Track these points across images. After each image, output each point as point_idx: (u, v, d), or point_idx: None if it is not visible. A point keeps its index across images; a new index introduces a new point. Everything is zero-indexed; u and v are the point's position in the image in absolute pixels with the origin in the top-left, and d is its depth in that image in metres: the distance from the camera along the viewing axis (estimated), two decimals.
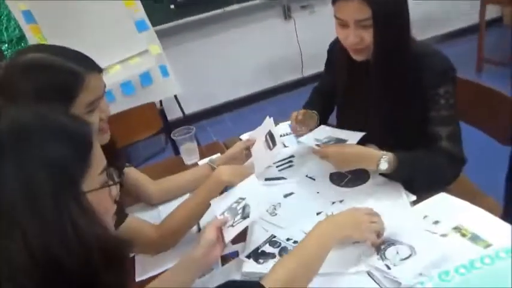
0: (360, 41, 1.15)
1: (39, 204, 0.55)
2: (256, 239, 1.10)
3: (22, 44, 2.66)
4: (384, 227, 0.97)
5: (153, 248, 1.15)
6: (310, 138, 1.34)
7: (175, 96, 2.93)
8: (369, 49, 1.17)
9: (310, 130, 1.40)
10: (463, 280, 0.81)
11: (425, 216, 1.03)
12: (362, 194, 1.19)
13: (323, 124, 1.43)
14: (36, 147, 0.57)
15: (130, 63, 2.60)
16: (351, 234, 0.94)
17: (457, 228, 0.97)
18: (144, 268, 1.13)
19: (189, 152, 1.57)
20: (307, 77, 3.85)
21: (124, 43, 2.56)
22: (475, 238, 0.93)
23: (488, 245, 0.90)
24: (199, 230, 1.22)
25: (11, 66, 0.94)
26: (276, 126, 1.35)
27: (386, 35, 1.12)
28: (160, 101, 2.86)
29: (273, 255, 1.03)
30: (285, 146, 1.50)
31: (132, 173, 1.35)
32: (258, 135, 1.39)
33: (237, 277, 1.02)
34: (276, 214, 1.19)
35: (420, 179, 1.14)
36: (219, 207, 1.08)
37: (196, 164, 1.55)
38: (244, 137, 1.61)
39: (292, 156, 1.44)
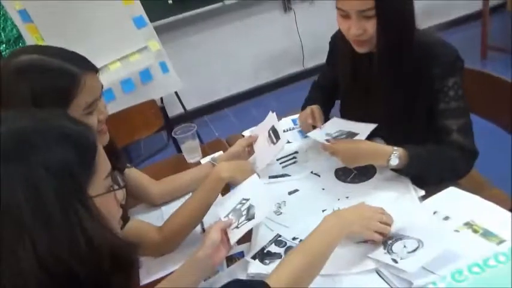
0: (362, 32, 1.11)
1: (46, 211, 0.54)
2: (262, 238, 1.07)
3: (20, 43, 2.64)
4: (391, 225, 0.95)
5: (157, 250, 1.13)
6: (321, 133, 1.31)
7: (176, 93, 2.90)
8: (372, 41, 1.13)
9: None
10: (477, 279, 0.78)
11: (435, 212, 1.00)
12: (369, 189, 1.16)
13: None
14: (39, 152, 0.56)
15: (130, 59, 2.58)
16: (358, 230, 0.92)
17: (468, 224, 0.94)
18: (149, 271, 1.11)
19: (190, 150, 1.55)
20: (308, 70, 3.80)
21: (123, 40, 2.53)
22: (487, 234, 0.90)
23: (501, 241, 0.87)
24: (203, 230, 1.20)
25: (5, 68, 0.91)
26: (278, 121, 1.33)
27: (390, 26, 1.09)
28: (161, 98, 2.83)
29: (279, 255, 1.01)
30: (288, 142, 1.46)
31: (134, 173, 1.33)
32: (260, 131, 1.37)
33: (243, 278, 1.00)
34: (280, 213, 1.17)
35: (432, 174, 1.11)
36: (223, 209, 1.06)
37: (198, 162, 1.52)
38: (247, 133, 1.58)
39: (296, 152, 1.41)
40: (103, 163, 0.64)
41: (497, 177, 1.45)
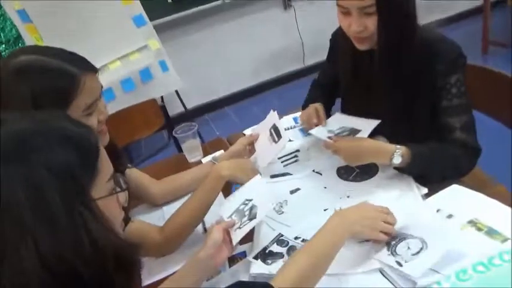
0: (363, 29, 1.10)
1: (49, 212, 0.54)
2: (264, 238, 1.06)
3: (19, 44, 2.63)
4: (395, 225, 0.94)
5: (158, 250, 1.13)
6: (322, 130, 1.30)
7: (177, 91, 2.90)
8: (373, 38, 1.12)
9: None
10: (481, 279, 0.77)
11: (438, 210, 0.99)
12: (371, 188, 1.15)
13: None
14: (40, 153, 0.56)
15: (130, 59, 2.57)
16: (363, 230, 0.91)
17: (472, 222, 0.93)
18: (150, 272, 1.11)
19: (191, 150, 1.54)
20: (309, 67, 3.79)
21: (122, 39, 2.52)
22: (491, 232, 0.89)
23: (505, 239, 0.86)
24: (204, 230, 1.20)
25: (4, 69, 0.91)
26: (279, 119, 1.32)
27: (391, 22, 1.08)
28: (162, 97, 2.82)
29: (281, 255, 1.00)
30: (289, 140, 1.45)
31: (134, 174, 1.32)
32: (261, 129, 1.36)
33: (245, 279, 0.99)
34: (282, 212, 1.16)
35: (435, 173, 1.10)
36: (226, 210, 1.06)
37: (199, 162, 1.52)
38: (248, 132, 1.58)
39: (298, 150, 1.40)
40: (105, 165, 0.64)
41: (498, 174, 1.44)
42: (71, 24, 2.34)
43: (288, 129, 1.54)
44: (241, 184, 1.23)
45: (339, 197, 1.16)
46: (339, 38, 1.31)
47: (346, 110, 1.39)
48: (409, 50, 1.11)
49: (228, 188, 1.27)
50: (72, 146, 0.59)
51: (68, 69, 0.92)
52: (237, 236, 0.96)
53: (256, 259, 1.00)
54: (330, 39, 1.44)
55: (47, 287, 0.53)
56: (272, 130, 1.31)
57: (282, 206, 1.18)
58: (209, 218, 1.18)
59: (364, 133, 1.20)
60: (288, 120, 1.60)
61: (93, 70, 0.98)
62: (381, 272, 0.90)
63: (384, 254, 0.91)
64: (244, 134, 1.54)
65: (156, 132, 2.29)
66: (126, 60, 2.55)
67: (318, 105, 1.39)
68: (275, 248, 1.03)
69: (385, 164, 1.11)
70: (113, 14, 2.46)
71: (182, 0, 3.21)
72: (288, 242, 1.04)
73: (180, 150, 1.68)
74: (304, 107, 1.49)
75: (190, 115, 3.16)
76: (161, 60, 2.62)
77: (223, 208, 1.07)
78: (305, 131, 1.43)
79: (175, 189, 1.35)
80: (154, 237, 1.10)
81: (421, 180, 1.12)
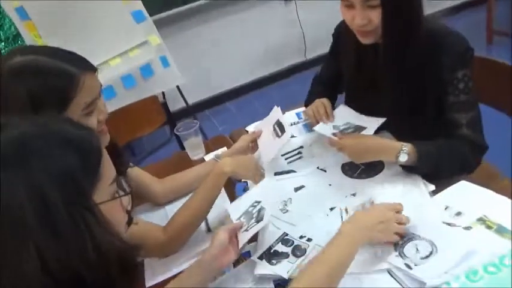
0: (367, 22, 1.07)
1: (51, 217, 0.53)
2: (268, 237, 1.05)
3: (19, 41, 2.61)
4: (407, 223, 0.92)
5: (162, 250, 1.12)
6: (327, 127, 1.28)
7: (178, 87, 2.87)
8: (377, 31, 1.10)
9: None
10: (493, 279, 0.76)
11: (446, 207, 0.97)
12: (377, 185, 1.13)
13: None
14: (40, 157, 0.55)
15: (130, 55, 2.54)
16: (378, 236, 0.89)
17: (481, 220, 0.91)
18: (154, 272, 1.10)
19: (193, 147, 1.52)
20: (310, 60, 3.75)
21: (122, 35, 2.49)
22: (501, 230, 0.87)
23: None
24: (208, 229, 1.18)
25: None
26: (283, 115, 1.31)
27: (396, 15, 1.05)
28: (163, 94, 2.80)
29: (286, 255, 0.99)
30: (293, 136, 1.43)
31: (136, 173, 1.31)
32: (265, 125, 1.35)
33: (250, 279, 0.98)
34: (287, 211, 1.14)
35: (442, 171, 1.08)
36: (236, 211, 1.05)
37: (202, 159, 1.50)
38: (250, 128, 1.56)
39: (301, 147, 1.38)
40: (108, 169, 0.63)
41: (503, 166, 1.43)
42: (70, 21, 2.31)
43: (292, 124, 1.51)
44: (242, 181, 1.22)
45: (344, 196, 1.14)
46: (342, 32, 1.29)
47: (349, 105, 1.36)
48: (415, 43, 1.08)
49: (231, 186, 1.25)
50: (73, 149, 0.58)
51: (66, 69, 0.91)
52: (243, 238, 0.95)
53: (261, 259, 0.99)
54: (333, 33, 1.41)
55: None
56: (276, 126, 1.30)
57: (286, 204, 1.16)
58: (212, 216, 1.17)
59: (370, 131, 1.18)
60: (291, 116, 1.57)
61: (92, 69, 0.97)
62: (389, 272, 0.89)
63: (391, 255, 0.89)
64: (247, 131, 1.53)
65: (157, 128, 2.28)
66: (126, 57, 2.52)
67: (325, 100, 1.36)
68: (280, 247, 1.01)
69: (391, 161, 1.09)
70: (112, 10, 2.43)
71: None
72: (293, 242, 1.02)
73: (182, 146, 1.67)
74: (306, 103, 1.47)
75: (192, 110, 3.13)
76: (162, 56, 2.59)
77: (233, 209, 1.07)
78: (310, 127, 1.41)
79: (178, 188, 1.33)
80: (157, 237, 1.09)
81: (427, 176, 1.10)
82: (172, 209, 1.27)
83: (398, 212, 0.93)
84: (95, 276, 0.55)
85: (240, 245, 0.95)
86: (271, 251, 1.01)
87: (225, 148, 1.49)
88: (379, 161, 1.19)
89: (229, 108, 3.65)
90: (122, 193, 0.67)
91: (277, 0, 3.58)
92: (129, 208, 0.70)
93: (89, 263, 0.55)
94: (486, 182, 1.05)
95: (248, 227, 0.97)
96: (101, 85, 1.00)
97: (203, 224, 1.17)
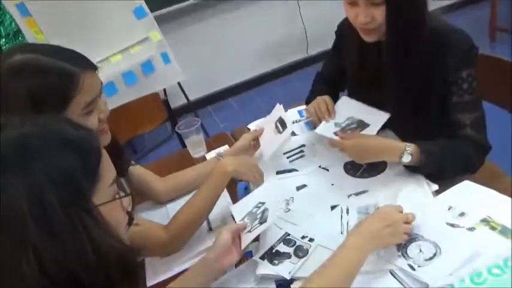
0: (370, 20, 1.06)
1: (50, 219, 0.53)
2: (270, 237, 1.04)
3: (19, 37, 2.60)
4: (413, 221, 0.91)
5: (164, 249, 1.11)
6: (329, 127, 1.27)
7: (179, 83, 2.86)
8: (381, 29, 1.08)
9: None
10: (497, 281, 0.75)
11: (450, 208, 0.96)
12: (379, 185, 1.13)
13: None
14: (40, 158, 0.55)
15: (131, 51, 2.53)
16: (389, 241, 0.87)
17: (485, 221, 0.90)
18: (155, 272, 1.09)
19: (195, 145, 1.51)
20: (312, 56, 3.74)
21: (123, 31, 2.48)
22: (505, 231, 0.87)
23: None
24: (209, 228, 1.18)
25: None
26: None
27: (400, 13, 1.04)
28: (164, 91, 2.79)
29: (288, 255, 0.98)
30: (295, 134, 1.43)
31: (138, 171, 1.30)
32: (267, 123, 1.34)
33: (252, 279, 0.98)
34: (289, 210, 1.13)
35: (445, 171, 1.07)
36: (239, 212, 1.04)
37: (203, 157, 1.49)
38: (252, 126, 1.55)
39: (303, 145, 1.37)
40: (108, 169, 0.63)
41: (505, 164, 1.43)
42: (71, 17, 2.30)
43: (294, 122, 1.51)
44: (245, 181, 1.22)
45: (347, 195, 1.13)
46: (344, 29, 1.28)
47: None
48: (419, 41, 1.07)
49: (232, 185, 1.25)
50: (73, 150, 0.58)
51: (66, 68, 0.90)
52: (246, 239, 0.95)
53: (263, 259, 0.98)
54: (336, 31, 1.40)
55: None
56: (278, 123, 1.30)
57: (288, 204, 1.15)
58: (214, 215, 1.17)
59: (373, 128, 1.17)
60: (293, 113, 1.56)
61: (93, 67, 0.96)
62: (391, 272, 0.88)
63: (394, 255, 0.88)
64: (249, 129, 1.52)
65: (158, 125, 2.28)
66: (127, 53, 2.51)
67: (327, 97, 1.35)
68: (282, 247, 1.01)
69: (394, 161, 1.08)
70: (113, 6, 2.42)
71: None
72: (295, 242, 1.02)
73: (183, 144, 1.66)
74: (308, 101, 1.46)
75: (193, 107, 3.13)
76: (163, 52, 2.58)
77: (236, 210, 1.06)
78: (312, 125, 1.40)
79: (180, 186, 1.33)
80: (159, 235, 1.09)
81: (430, 176, 1.09)
82: (173, 207, 1.26)
83: (401, 211, 0.92)
84: (94, 279, 0.54)
85: (243, 246, 0.94)
86: (273, 251, 1.00)
87: (226, 146, 1.48)
88: (382, 161, 1.18)
89: (231, 105, 3.64)
90: (122, 194, 0.67)
91: None
92: (129, 209, 0.69)
93: (88, 265, 0.54)
94: (489, 182, 1.04)
95: (251, 228, 0.96)
96: (102, 83, 0.99)
97: (205, 223, 1.17)
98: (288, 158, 1.34)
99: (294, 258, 0.97)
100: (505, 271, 0.76)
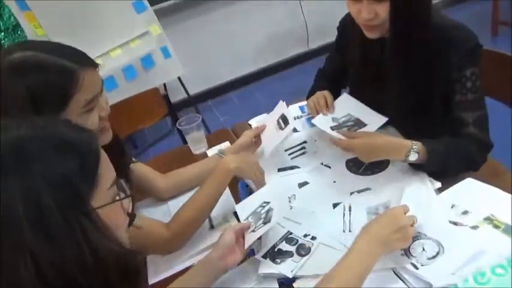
0: (373, 16, 1.05)
1: (47, 223, 0.52)
2: (273, 236, 1.04)
3: (18, 31, 2.59)
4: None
5: (166, 247, 1.11)
6: (326, 120, 1.26)
7: (179, 78, 2.85)
8: (384, 25, 1.07)
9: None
10: (500, 281, 0.75)
11: (453, 206, 0.96)
12: (382, 182, 1.12)
13: None
14: (37, 161, 0.54)
15: (131, 46, 2.52)
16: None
17: (488, 219, 0.90)
18: (156, 270, 1.09)
19: (196, 141, 1.50)
20: (313, 50, 3.71)
21: (123, 26, 2.47)
22: (508, 229, 0.86)
23: None
24: (211, 226, 1.17)
25: None
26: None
27: (404, 9, 1.02)
28: (165, 86, 2.78)
29: (290, 254, 0.98)
30: (296, 131, 1.42)
31: (139, 168, 1.29)
32: (269, 120, 1.34)
33: (254, 277, 0.98)
34: (291, 207, 1.12)
35: (449, 169, 1.06)
36: (244, 211, 1.04)
37: (204, 153, 1.49)
38: (253, 122, 1.54)
39: (305, 142, 1.37)
40: (107, 171, 0.61)
41: (506, 160, 1.42)
42: (71, 12, 2.28)
43: (295, 119, 1.50)
44: (246, 179, 1.21)
45: (349, 193, 1.12)
46: (347, 25, 1.27)
47: None
48: (423, 38, 1.06)
49: (234, 183, 1.24)
50: (71, 152, 0.57)
51: (66, 65, 0.89)
52: (250, 238, 0.95)
53: (265, 258, 0.98)
54: (338, 27, 1.38)
55: None
56: (280, 119, 1.29)
57: (290, 201, 1.15)
58: (215, 213, 1.16)
59: (370, 129, 1.17)
60: (294, 109, 1.55)
61: (93, 65, 0.95)
62: (394, 271, 0.88)
63: (397, 254, 0.88)
64: (250, 125, 1.51)
65: (159, 120, 2.27)
66: (127, 47, 2.50)
67: (326, 92, 1.35)
68: (284, 246, 1.01)
69: (400, 160, 1.07)
70: (113, 0, 2.40)
71: None
72: (297, 240, 1.01)
73: (184, 140, 1.65)
74: (309, 97, 1.45)
75: (193, 101, 3.11)
76: (163, 47, 2.57)
77: (241, 208, 1.06)
78: (311, 119, 1.40)
79: (181, 184, 1.32)
80: (161, 233, 1.08)
81: (434, 174, 1.09)
82: (175, 204, 1.26)
83: (406, 212, 0.91)
84: (92, 283, 0.54)
85: (246, 246, 0.94)
86: (276, 249, 1.00)
87: (227, 143, 1.48)
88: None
89: (231, 99, 3.62)
90: (122, 195, 0.66)
91: None
92: (129, 210, 0.68)
93: (86, 269, 0.53)
94: (491, 179, 1.04)
95: (255, 227, 0.96)
96: (103, 81, 0.98)
97: (206, 221, 1.17)
98: (289, 155, 1.33)
99: (296, 257, 0.97)
100: (508, 271, 0.76)
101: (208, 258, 0.93)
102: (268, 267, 0.96)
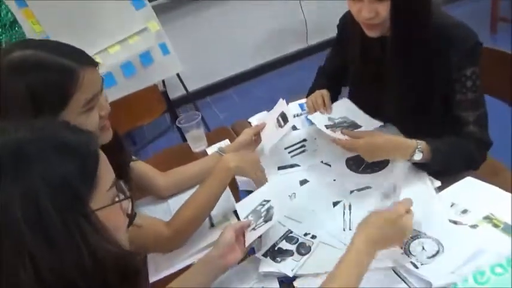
0: (374, 15, 1.05)
1: (46, 226, 0.52)
2: (273, 234, 1.04)
3: (16, 28, 2.57)
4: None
5: (166, 245, 1.11)
6: (323, 118, 1.27)
7: (178, 74, 2.84)
8: (385, 24, 1.07)
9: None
10: (500, 281, 0.75)
11: (452, 204, 0.97)
12: (382, 180, 1.12)
13: None
14: (36, 164, 0.53)
15: (130, 42, 2.51)
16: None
17: (488, 218, 0.90)
18: (157, 269, 1.09)
19: (195, 139, 1.50)
20: (312, 46, 3.70)
21: (121, 22, 2.45)
22: (508, 229, 0.87)
23: None
24: (211, 225, 1.18)
25: None
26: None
27: (405, 8, 1.02)
28: (163, 82, 2.77)
29: (290, 253, 0.98)
30: (296, 129, 1.42)
31: (139, 166, 1.29)
32: (268, 118, 1.34)
33: (254, 276, 0.98)
34: (291, 205, 1.13)
35: (451, 168, 1.07)
36: (244, 209, 1.04)
37: (204, 151, 1.49)
38: (253, 120, 1.54)
39: (305, 140, 1.37)
40: (106, 173, 0.61)
41: (506, 158, 1.43)
42: (68, 7, 2.27)
43: (295, 116, 1.50)
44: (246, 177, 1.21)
45: (349, 191, 1.13)
46: (347, 23, 1.26)
47: (354, 99, 1.34)
48: (424, 37, 1.06)
49: (234, 181, 1.24)
50: (69, 154, 0.57)
51: (66, 64, 0.89)
52: (250, 237, 0.95)
53: (265, 256, 0.98)
54: (338, 25, 1.38)
55: None
56: (280, 117, 1.29)
57: (290, 200, 1.15)
58: (215, 212, 1.17)
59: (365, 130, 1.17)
60: (294, 107, 1.56)
61: (93, 64, 0.94)
62: (394, 270, 0.88)
63: (397, 252, 0.88)
64: (250, 123, 1.51)
65: (158, 117, 2.27)
66: (126, 44, 2.49)
67: (324, 91, 1.35)
68: (284, 245, 1.01)
69: (404, 159, 1.07)
70: None
71: None
72: (297, 239, 1.02)
73: (183, 137, 1.65)
74: (308, 95, 1.45)
75: (192, 98, 3.11)
76: (161, 43, 2.55)
77: (241, 207, 1.06)
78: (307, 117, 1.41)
79: (181, 182, 1.32)
80: (162, 231, 1.08)
81: (433, 173, 1.09)
82: (175, 202, 1.26)
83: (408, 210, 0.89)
84: (91, 285, 0.54)
85: (247, 244, 0.94)
86: (276, 248, 1.00)
87: (227, 141, 1.48)
88: None
89: (230, 96, 3.62)
90: (121, 196, 0.66)
91: None
92: (129, 211, 0.68)
93: (85, 271, 0.53)
94: (491, 177, 1.04)
95: (256, 226, 0.96)
96: (103, 80, 0.98)
97: (206, 220, 1.17)
98: (289, 153, 1.34)
99: (296, 256, 0.97)
100: (508, 270, 0.76)
101: (209, 257, 0.93)
102: (269, 266, 0.96)
